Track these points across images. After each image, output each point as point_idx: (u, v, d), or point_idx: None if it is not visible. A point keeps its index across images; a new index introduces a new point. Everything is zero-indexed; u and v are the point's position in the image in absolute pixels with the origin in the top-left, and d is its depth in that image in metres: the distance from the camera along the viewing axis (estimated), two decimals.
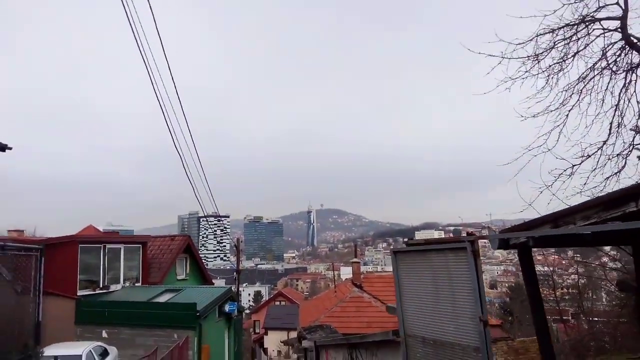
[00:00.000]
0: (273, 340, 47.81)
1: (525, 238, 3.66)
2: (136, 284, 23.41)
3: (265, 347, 49.45)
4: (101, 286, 21.46)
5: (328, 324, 15.25)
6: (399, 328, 5.00)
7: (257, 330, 54.95)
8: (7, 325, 6.48)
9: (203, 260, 29.92)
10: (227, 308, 21.93)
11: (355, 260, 25.92)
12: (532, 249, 4.05)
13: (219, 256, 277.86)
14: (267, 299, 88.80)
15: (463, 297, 4.09)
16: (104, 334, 18.84)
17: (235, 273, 30.62)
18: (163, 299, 20.45)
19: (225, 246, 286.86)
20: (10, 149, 15.74)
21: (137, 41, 8.94)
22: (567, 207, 3.53)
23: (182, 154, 15.22)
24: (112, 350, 14.82)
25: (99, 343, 14.52)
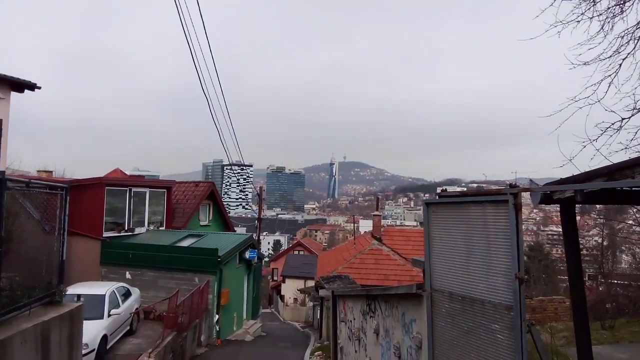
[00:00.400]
0: (290, 288, 49.03)
1: (572, 192, 3.36)
2: (160, 228, 23.82)
3: (282, 294, 50.80)
4: (126, 229, 21.83)
5: (346, 274, 15.31)
6: (425, 282, 4.80)
7: (275, 278, 56.28)
8: (34, 263, 6.52)
9: (225, 208, 30.21)
10: (247, 255, 22.25)
11: (376, 213, 25.83)
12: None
13: (241, 204, 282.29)
14: (286, 248, 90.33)
15: (499, 252, 3.83)
16: (128, 275, 19.37)
17: (256, 221, 30.94)
18: (186, 243, 20.78)
19: (247, 195, 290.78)
20: (39, 88, 15.74)
21: None
22: (627, 159, 3.20)
23: (210, 99, 15.17)
24: (135, 291, 15.21)
25: (122, 284, 14.88)
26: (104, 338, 11.61)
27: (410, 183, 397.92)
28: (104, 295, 12.45)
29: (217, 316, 18.76)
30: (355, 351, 10.16)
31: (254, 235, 28.16)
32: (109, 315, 12.14)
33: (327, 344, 18.39)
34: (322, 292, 19.87)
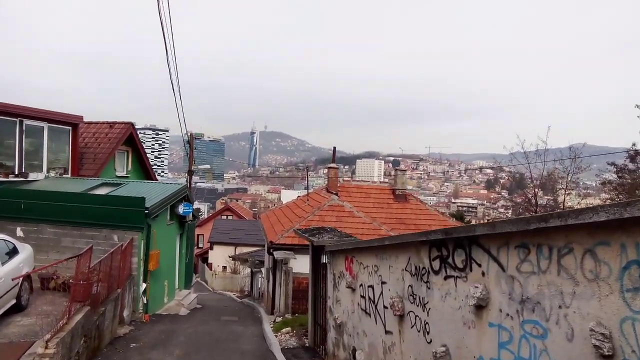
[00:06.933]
0: (219, 256, 44.88)
1: None
2: (64, 176, 18.74)
3: (210, 262, 46.50)
4: (16, 173, 16.74)
5: (331, 227, 11.68)
6: None
7: (201, 245, 51.61)
8: None
9: (148, 157, 25.22)
10: (181, 209, 17.89)
11: (332, 165, 22.29)
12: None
13: (156, 172, 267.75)
14: (206, 216, 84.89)
15: None
16: (19, 232, 14.49)
17: (186, 174, 26.28)
18: (100, 192, 16.07)
19: (163, 162, 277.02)
20: None
21: None
22: None
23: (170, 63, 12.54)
24: (25, 249, 10.58)
25: (4, 236, 10.17)
26: None
27: (330, 155, 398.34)
28: None
29: (144, 285, 14.45)
30: (388, 332, 6.57)
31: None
32: None
33: (288, 317, 14.77)
34: (279, 254, 16.18)
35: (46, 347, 7.18)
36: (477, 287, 4.47)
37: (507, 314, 4.13)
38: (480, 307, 4.47)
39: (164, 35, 13.21)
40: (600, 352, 3.13)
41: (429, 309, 5.47)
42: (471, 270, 4.67)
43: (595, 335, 3.17)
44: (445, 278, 5.12)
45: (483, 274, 4.48)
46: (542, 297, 3.72)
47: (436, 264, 5.31)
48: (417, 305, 5.74)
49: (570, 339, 3.43)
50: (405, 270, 6.07)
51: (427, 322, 5.52)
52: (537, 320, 3.77)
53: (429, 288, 5.47)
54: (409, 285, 5.96)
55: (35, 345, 7.68)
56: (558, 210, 3.52)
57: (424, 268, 5.59)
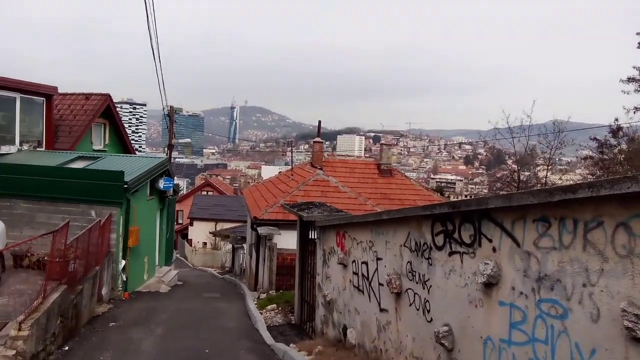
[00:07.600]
0: (199, 232, 44.42)
1: None
2: (38, 149, 17.99)
3: (189, 238, 46.02)
4: None
5: (321, 202, 11.34)
6: None
7: (180, 221, 50.99)
8: None
9: (126, 130, 24.42)
10: (161, 184, 17.35)
11: (317, 139, 21.86)
12: None
13: (134, 146, 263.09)
14: (185, 192, 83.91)
15: None
16: None
17: (166, 149, 25.58)
18: (77, 166, 15.43)
19: (140, 136, 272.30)
20: None
21: None
22: None
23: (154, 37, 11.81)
24: None
25: None
26: None
27: (312, 130, 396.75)
28: None
29: (123, 262, 13.99)
30: (383, 310, 6.32)
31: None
32: None
33: (273, 293, 14.52)
34: (263, 230, 15.84)
35: (19, 329, 6.75)
36: (487, 263, 4.18)
37: (521, 292, 3.85)
38: (489, 284, 4.18)
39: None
40: (633, 334, 2.86)
41: (430, 286, 5.19)
42: (480, 245, 4.38)
43: (627, 317, 2.90)
44: (450, 254, 4.83)
45: (494, 249, 4.19)
46: (563, 274, 3.44)
47: (440, 240, 5.01)
48: (417, 283, 5.46)
49: (596, 319, 3.17)
50: (404, 246, 5.77)
51: (427, 301, 5.25)
52: (557, 300, 3.49)
53: (431, 265, 5.18)
54: (408, 262, 5.67)
55: (7, 327, 7.25)
56: (583, 183, 3.18)
57: (425, 244, 5.29)
